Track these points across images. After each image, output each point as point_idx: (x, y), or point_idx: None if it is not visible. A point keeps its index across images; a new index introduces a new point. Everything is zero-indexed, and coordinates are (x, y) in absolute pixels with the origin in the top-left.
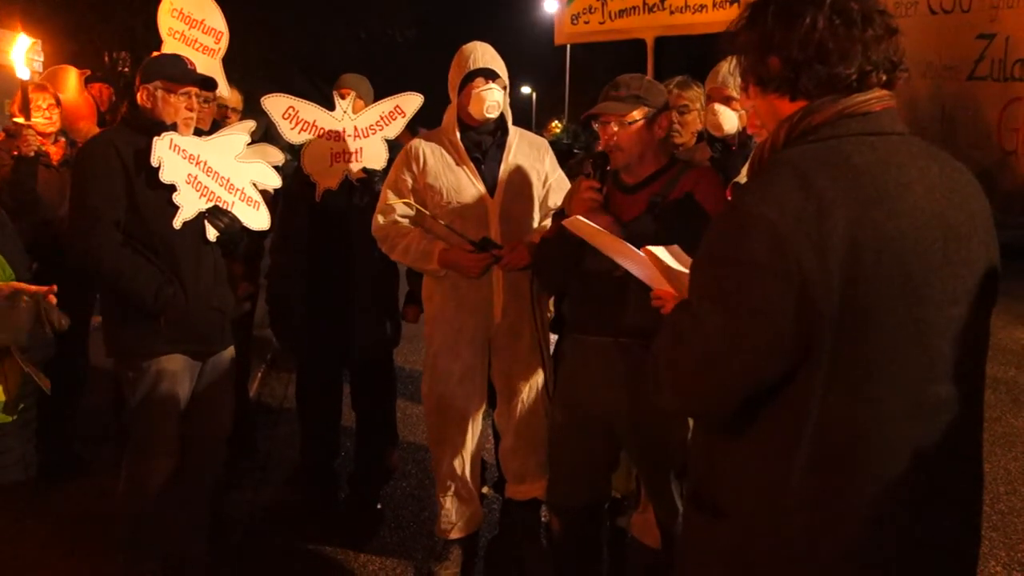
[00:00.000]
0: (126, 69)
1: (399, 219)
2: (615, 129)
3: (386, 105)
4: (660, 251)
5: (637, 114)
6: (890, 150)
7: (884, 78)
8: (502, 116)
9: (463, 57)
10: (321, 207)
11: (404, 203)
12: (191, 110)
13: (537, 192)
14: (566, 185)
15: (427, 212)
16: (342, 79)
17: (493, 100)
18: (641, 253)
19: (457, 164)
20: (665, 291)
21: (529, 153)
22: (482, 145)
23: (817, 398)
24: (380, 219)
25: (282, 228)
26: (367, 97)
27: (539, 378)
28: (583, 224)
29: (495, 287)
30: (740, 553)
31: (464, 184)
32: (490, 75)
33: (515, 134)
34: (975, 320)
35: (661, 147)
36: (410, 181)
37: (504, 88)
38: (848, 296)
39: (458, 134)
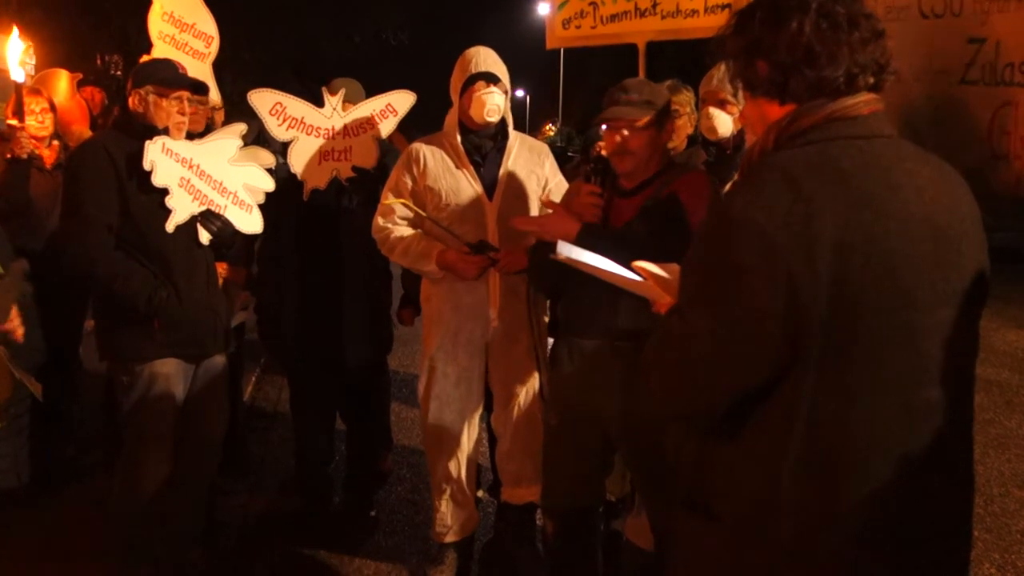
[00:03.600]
0: (119, 72)
1: (399, 220)
2: (626, 134)
3: (377, 103)
4: (650, 266)
5: (649, 119)
6: (877, 153)
7: (871, 80)
8: (503, 120)
9: (465, 61)
10: (309, 208)
11: (401, 203)
12: (183, 114)
13: (535, 195)
14: (565, 188)
15: (424, 213)
16: (333, 84)
17: (493, 104)
18: (634, 276)
19: (457, 167)
20: (665, 302)
21: (529, 158)
22: (482, 148)
23: (806, 400)
24: (380, 220)
25: (269, 232)
26: (357, 99)
27: (536, 382)
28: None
29: (491, 290)
30: (731, 555)
31: (463, 186)
32: (491, 79)
33: (515, 138)
34: (965, 322)
35: (663, 152)
36: (410, 183)
37: (505, 93)
38: (836, 298)
39: (459, 137)
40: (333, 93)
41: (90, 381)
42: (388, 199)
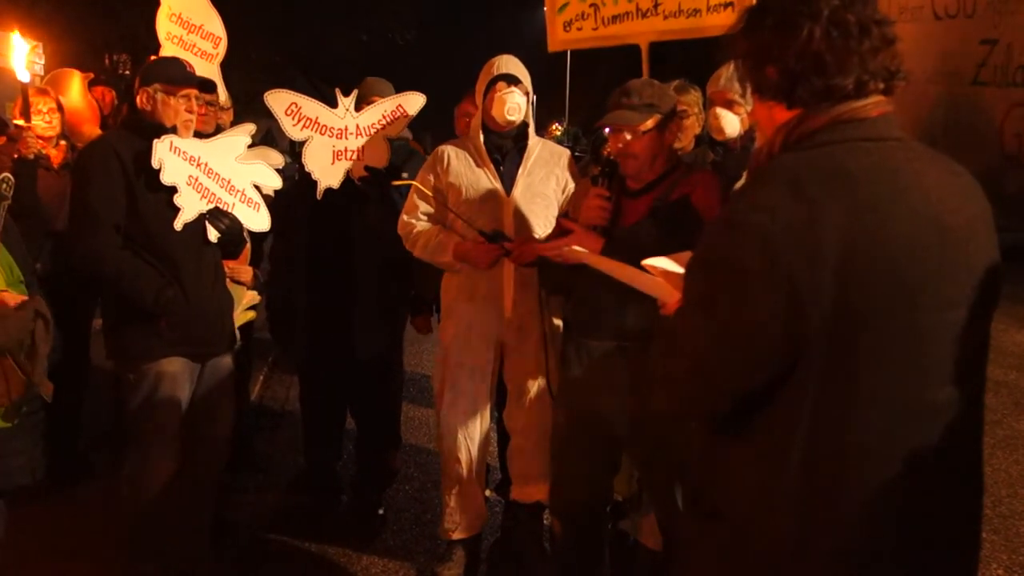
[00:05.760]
0: (127, 71)
1: (421, 217)
2: (628, 138)
3: (388, 104)
4: (662, 261)
5: (650, 122)
6: (885, 155)
7: (882, 86)
8: (525, 125)
9: (489, 65)
10: (322, 206)
11: (416, 184)
12: (191, 112)
13: (554, 196)
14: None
15: (441, 200)
16: (368, 84)
17: (514, 103)
18: (647, 274)
19: (478, 165)
20: (675, 301)
21: (549, 159)
22: (503, 148)
23: (809, 401)
24: (405, 217)
25: (281, 232)
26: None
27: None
28: (583, 255)
29: (505, 281)
30: (736, 554)
31: (483, 183)
32: (512, 80)
33: (537, 142)
34: (975, 324)
35: (669, 152)
36: (433, 180)
37: (526, 94)
38: (841, 302)
39: (482, 138)
40: (366, 94)
41: (99, 379)
42: (415, 200)
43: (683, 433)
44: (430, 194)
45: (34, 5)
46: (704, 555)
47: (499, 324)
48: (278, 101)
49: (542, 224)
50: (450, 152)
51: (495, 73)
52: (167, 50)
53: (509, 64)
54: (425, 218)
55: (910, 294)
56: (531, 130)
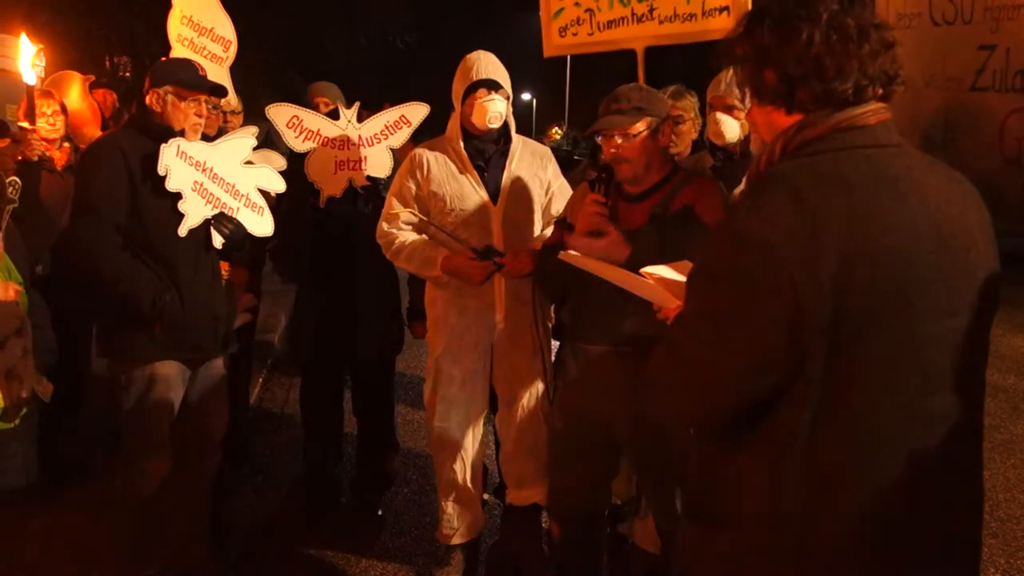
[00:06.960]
0: (127, 74)
1: (403, 226)
2: (619, 142)
3: (391, 114)
4: (661, 269)
5: (641, 126)
6: (885, 163)
7: (880, 91)
8: (506, 124)
9: (466, 67)
10: (325, 214)
11: (409, 212)
12: (200, 116)
13: (539, 200)
14: (568, 192)
15: (430, 222)
16: (314, 87)
17: (495, 111)
18: (644, 278)
19: (460, 172)
20: (672, 307)
21: (532, 162)
22: (485, 153)
23: (810, 411)
24: (384, 226)
25: (284, 233)
26: (339, 101)
27: (540, 384)
28: (579, 259)
29: (497, 293)
30: (735, 562)
31: (467, 192)
32: (492, 86)
33: (518, 142)
34: (974, 331)
35: (664, 156)
36: (414, 188)
37: (507, 98)
38: (841, 310)
39: (462, 143)
40: (316, 98)
41: (97, 381)
42: (394, 207)
43: (681, 437)
44: (422, 219)
45: (34, 8)
46: (704, 564)
47: (490, 334)
48: (280, 114)
49: (531, 230)
50: (429, 157)
51: (473, 78)
52: (177, 52)
53: (488, 68)
54: (408, 227)
55: (909, 302)
56: (512, 131)
